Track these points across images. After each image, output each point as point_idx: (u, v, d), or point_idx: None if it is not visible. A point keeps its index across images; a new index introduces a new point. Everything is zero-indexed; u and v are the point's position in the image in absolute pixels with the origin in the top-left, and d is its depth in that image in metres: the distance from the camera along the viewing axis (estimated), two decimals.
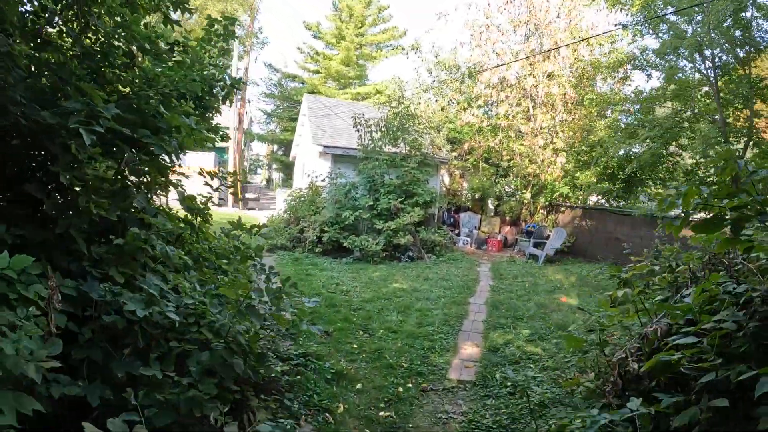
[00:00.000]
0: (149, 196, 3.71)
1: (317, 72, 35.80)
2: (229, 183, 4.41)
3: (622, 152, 12.03)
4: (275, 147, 40.54)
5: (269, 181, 47.29)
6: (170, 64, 3.97)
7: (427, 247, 11.32)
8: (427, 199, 11.24)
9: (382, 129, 11.70)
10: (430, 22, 55.05)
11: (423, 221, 11.63)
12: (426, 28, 38.87)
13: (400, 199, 10.96)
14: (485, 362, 5.14)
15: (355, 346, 5.35)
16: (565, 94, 11.52)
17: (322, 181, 12.24)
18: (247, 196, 24.97)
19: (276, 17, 66.91)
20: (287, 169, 35.02)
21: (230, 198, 23.15)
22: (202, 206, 4.37)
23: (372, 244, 10.30)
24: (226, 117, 26.01)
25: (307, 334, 5.49)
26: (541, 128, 11.93)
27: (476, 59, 13.03)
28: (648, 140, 9.81)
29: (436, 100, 14.70)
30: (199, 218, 4.17)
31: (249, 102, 34.91)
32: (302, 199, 12.44)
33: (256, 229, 3.50)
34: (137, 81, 3.39)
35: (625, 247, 11.59)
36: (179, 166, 4.46)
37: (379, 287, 8.22)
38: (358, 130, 11.68)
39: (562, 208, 13.21)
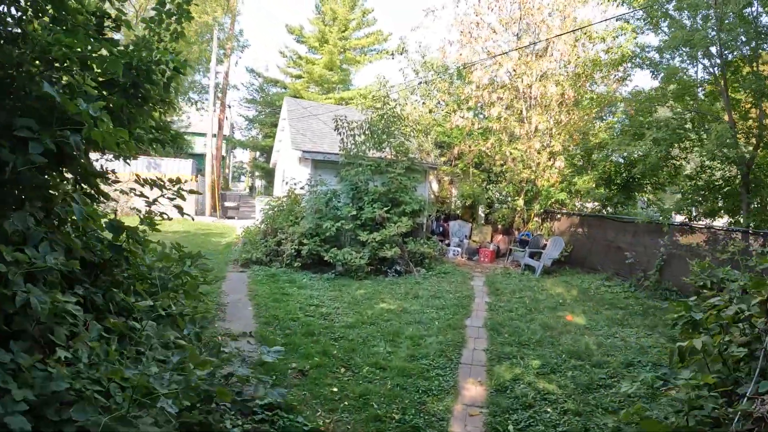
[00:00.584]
0: (50, 211, 2.76)
1: (300, 77, 34.88)
2: (173, 193, 3.48)
3: (621, 156, 11.35)
4: (257, 154, 39.41)
5: (252, 188, 46.02)
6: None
7: (415, 259, 10.44)
8: (415, 207, 10.38)
9: (366, 132, 10.82)
10: (417, 21, 54.44)
11: (411, 231, 10.76)
12: (412, 26, 37.72)
13: (385, 208, 10.07)
14: (493, 407, 4.25)
15: (335, 389, 4.41)
16: (563, 93, 10.80)
17: (301, 188, 11.30)
18: (226, 204, 23.81)
19: (258, 20, 65.84)
20: (269, 176, 33.93)
21: (208, 207, 22.04)
22: (145, 219, 3.45)
23: (355, 258, 9.37)
24: (206, 122, 24.91)
25: (278, 375, 4.55)
26: (536, 130, 11.17)
27: (466, 58, 12.28)
28: (653, 142, 9.12)
29: (423, 102, 13.89)
30: (142, 238, 3.24)
31: (230, 107, 33.80)
32: (280, 208, 11.48)
33: (189, 261, 2.54)
34: (25, 53, 2.44)
35: (628, 257, 10.91)
36: (110, 175, 3.54)
37: (364, 308, 7.29)
38: (339, 134, 10.78)
39: (558, 216, 12.48)
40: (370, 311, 7.13)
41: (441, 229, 13.79)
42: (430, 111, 13.96)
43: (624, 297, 9.41)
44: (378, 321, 6.65)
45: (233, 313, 6.93)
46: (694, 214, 10.83)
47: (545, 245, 11.81)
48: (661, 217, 9.58)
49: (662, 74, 10.15)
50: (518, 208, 12.81)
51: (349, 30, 34.98)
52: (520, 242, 12.86)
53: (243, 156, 49.54)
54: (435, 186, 14.81)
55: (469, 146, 12.60)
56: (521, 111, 12.15)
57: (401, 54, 14.08)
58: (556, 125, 11.24)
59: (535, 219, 12.64)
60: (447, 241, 13.37)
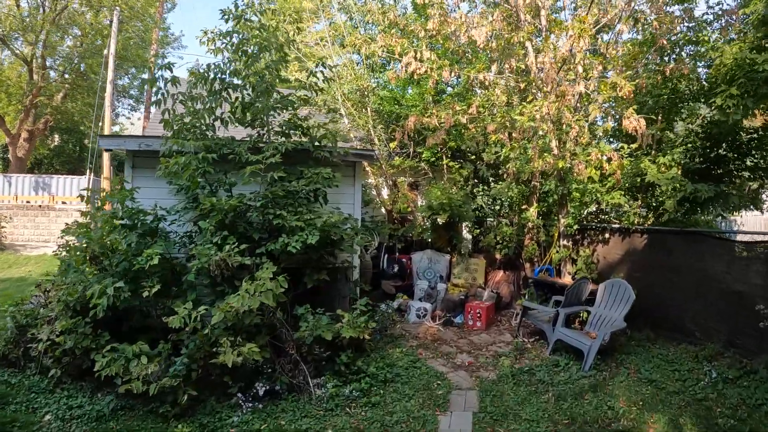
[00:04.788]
0: None
1: None
2: None
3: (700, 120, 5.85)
4: None
5: None
6: None
7: (316, 358, 4.65)
8: (311, 240, 4.59)
9: (215, 86, 5.22)
10: None
11: (318, 288, 5.05)
12: None
13: (242, 246, 4.38)
14: None
15: None
16: None
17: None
18: None
19: (196, 15, 60.31)
20: None
21: None
22: None
23: (143, 371, 3.67)
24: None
25: None
26: (572, 54, 5.50)
27: None
28: None
29: (357, 47, 8.18)
30: None
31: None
32: (78, 251, 5.77)
33: None
34: None
35: (762, 311, 5.34)
36: None
37: None
38: (156, 94, 5.12)
39: (606, 235, 6.87)
40: None
41: (396, 267, 7.96)
42: (367, 57, 8.27)
43: None
44: None
45: None
46: None
47: (591, 295, 6.18)
48: None
49: None
50: (530, 224, 7.24)
51: (304, 21, 29.87)
52: (535, 285, 7.25)
53: None
54: (385, 193, 9.12)
55: (438, 117, 6.96)
56: (524, 44, 6.61)
57: None
58: (611, 48, 5.66)
59: (563, 243, 7.04)
60: (410, 291, 7.63)
